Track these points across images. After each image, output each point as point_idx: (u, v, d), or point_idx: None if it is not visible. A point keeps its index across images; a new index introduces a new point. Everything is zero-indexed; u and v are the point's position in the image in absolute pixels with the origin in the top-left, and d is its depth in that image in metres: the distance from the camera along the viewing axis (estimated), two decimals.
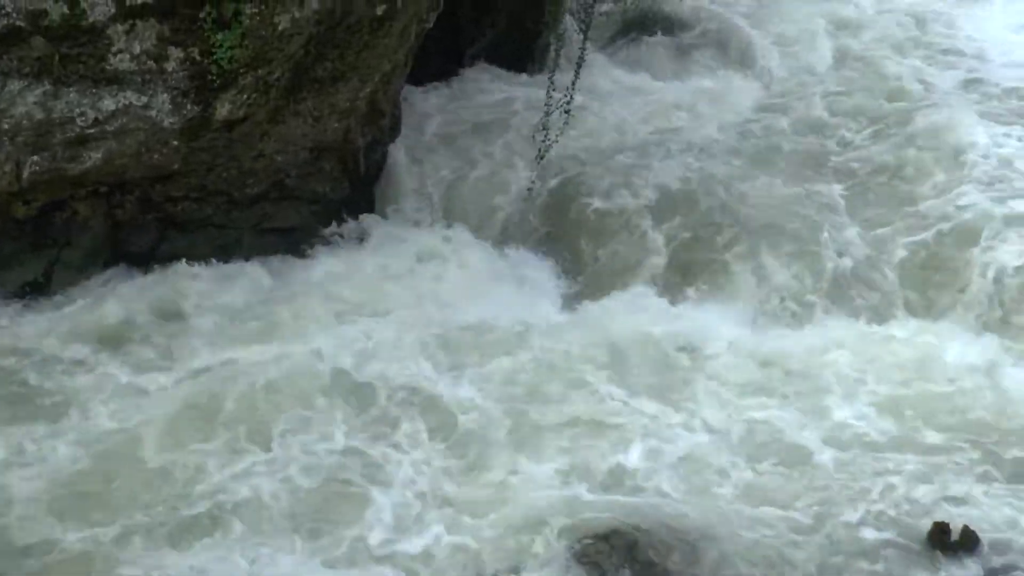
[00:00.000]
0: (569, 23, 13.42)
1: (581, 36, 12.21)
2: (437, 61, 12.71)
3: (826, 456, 8.90)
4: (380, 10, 10.34)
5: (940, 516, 8.34)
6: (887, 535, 8.28)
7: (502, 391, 9.36)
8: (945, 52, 15.09)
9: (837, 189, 11.90)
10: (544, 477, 8.59)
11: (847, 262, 10.90)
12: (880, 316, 10.48)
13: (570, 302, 10.78)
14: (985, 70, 14.58)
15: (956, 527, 8.25)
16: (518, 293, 10.84)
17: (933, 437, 9.11)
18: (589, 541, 8.00)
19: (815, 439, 9.08)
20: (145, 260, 10.56)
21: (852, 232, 11.23)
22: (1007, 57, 14.96)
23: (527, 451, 8.82)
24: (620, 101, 13.47)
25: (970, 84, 14.21)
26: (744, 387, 9.57)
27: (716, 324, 10.22)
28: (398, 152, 11.97)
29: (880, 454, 8.94)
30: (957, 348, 9.92)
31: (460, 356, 9.71)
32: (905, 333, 10.19)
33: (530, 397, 9.33)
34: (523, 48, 13.53)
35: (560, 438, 8.96)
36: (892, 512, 8.44)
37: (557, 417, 9.14)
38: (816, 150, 12.63)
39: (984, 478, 8.77)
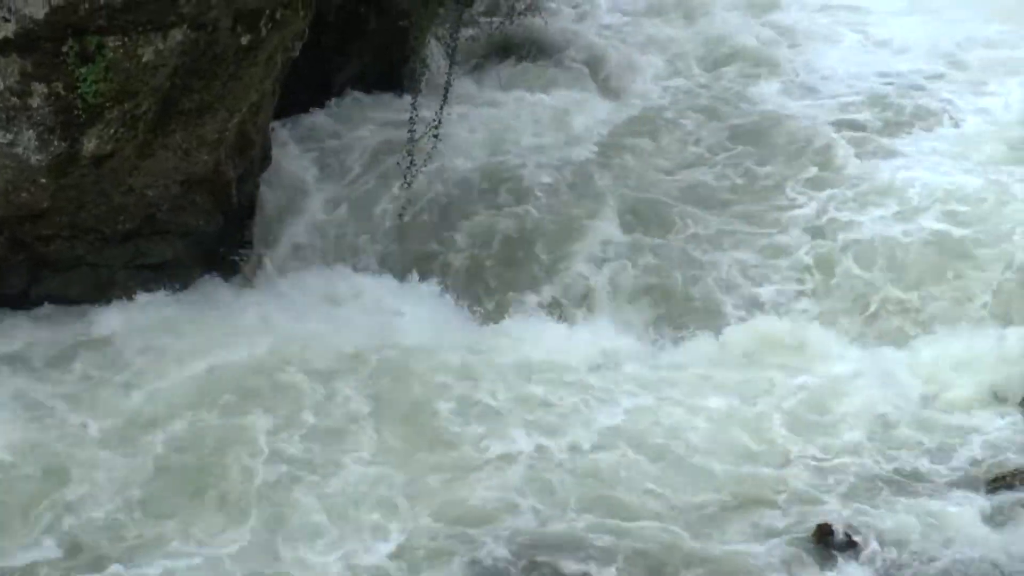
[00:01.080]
0: (436, 48, 13.48)
1: (448, 61, 12.30)
2: (305, 90, 12.65)
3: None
4: (245, 40, 10.27)
5: (827, 517, 8.56)
6: (773, 538, 8.47)
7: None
8: (811, 72, 15.38)
9: (689, 209, 12.22)
10: None
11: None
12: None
13: (452, 327, 10.83)
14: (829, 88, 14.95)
15: (840, 528, 8.47)
16: (396, 321, 10.83)
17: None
18: None
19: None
20: (18, 302, 10.36)
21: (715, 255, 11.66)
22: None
23: None
24: (488, 123, 13.50)
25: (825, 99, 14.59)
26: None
27: (605, 343, 10.50)
28: (270, 183, 11.90)
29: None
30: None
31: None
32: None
33: None
34: (391, 74, 13.54)
35: None
36: (779, 513, 8.68)
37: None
38: (679, 171, 12.90)
39: (870, 479, 9.05)
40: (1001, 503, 8.89)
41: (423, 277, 11.39)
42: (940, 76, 15.04)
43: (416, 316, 10.85)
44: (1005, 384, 10.05)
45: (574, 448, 9.31)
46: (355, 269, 11.56)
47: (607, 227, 11.84)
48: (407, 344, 10.34)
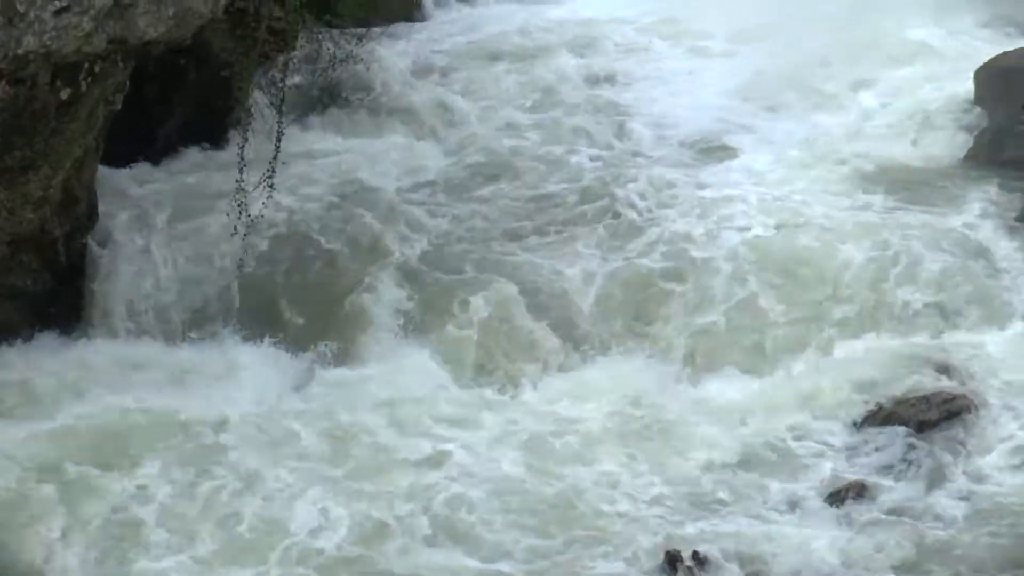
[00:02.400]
0: (261, 97, 13.41)
1: (275, 110, 12.25)
2: (129, 143, 12.47)
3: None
4: (65, 94, 10.09)
5: (674, 543, 8.73)
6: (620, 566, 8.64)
7: None
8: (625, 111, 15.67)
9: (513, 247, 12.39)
10: None
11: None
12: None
13: (299, 380, 10.83)
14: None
15: (687, 553, 8.64)
16: (237, 381, 10.77)
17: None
18: None
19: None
20: None
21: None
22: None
23: None
24: (315, 171, 13.46)
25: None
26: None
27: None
28: (98, 240, 11.71)
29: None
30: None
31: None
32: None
33: None
34: (217, 125, 13.42)
35: None
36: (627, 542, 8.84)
37: None
38: (504, 206, 13.06)
39: (714, 501, 9.26)
40: (839, 515, 9.22)
41: (259, 334, 11.31)
42: (755, 109, 15.55)
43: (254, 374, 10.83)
44: (839, 402, 10.41)
45: None
46: (186, 328, 11.43)
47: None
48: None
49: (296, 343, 11.23)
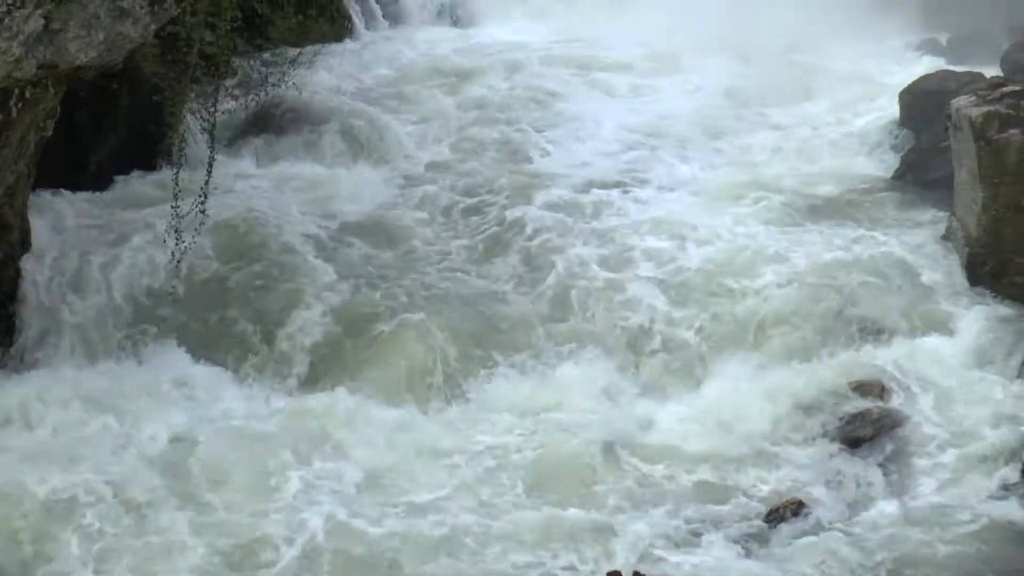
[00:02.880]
0: (193, 123, 13.34)
1: (206, 135, 12.20)
2: (61, 169, 12.36)
3: None
4: None
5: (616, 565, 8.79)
6: None
7: None
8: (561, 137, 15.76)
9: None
10: None
11: None
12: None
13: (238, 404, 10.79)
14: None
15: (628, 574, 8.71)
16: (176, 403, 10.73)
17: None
18: None
19: None
20: None
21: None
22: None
23: None
24: (249, 197, 13.41)
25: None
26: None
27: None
28: (30, 267, 11.57)
29: None
30: None
31: None
32: None
33: None
34: (150, 151, 13.32)
35: None
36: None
37: None
38: (432, 241, 13.09)
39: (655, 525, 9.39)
40: (777, 534, 9.33)
41: (187, 357, 11.28)
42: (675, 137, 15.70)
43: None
44: (772, 422, 10.53)
45: None
46: (119, 351, 11.36)
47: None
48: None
49: (222, 367, 11.24)
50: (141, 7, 10.13)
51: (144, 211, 12.46)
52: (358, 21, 19.65)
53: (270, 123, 15.02)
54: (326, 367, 11.23)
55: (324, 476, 9.89)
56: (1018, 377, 10.92)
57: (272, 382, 11.16)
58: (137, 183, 13.18)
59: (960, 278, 12.10)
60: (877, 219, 13.19)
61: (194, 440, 10.18)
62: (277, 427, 10.45)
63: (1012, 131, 12.00)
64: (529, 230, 12.97)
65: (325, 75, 16.62)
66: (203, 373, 11.13)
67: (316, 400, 10.85)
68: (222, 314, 11.69)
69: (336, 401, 10.80)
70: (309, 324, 11.52)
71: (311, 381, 11.14)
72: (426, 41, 19.35)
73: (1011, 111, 12.16)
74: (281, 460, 9.95)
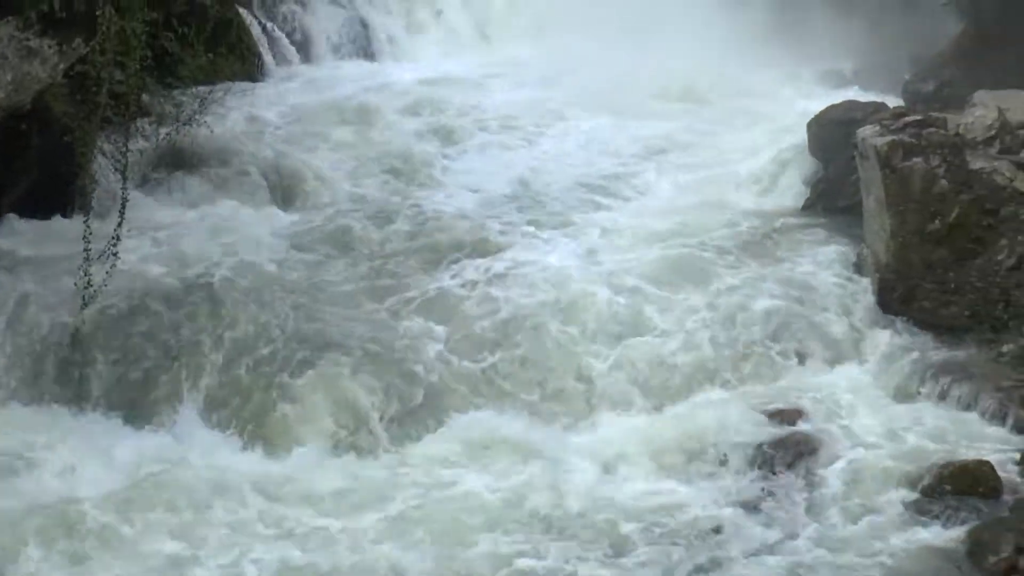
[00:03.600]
0: (105, 163, 13.20)
1: (119, 176, 12.09)
2: None
3: None
4: None
5: None
6: None
7: None
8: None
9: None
10: None
11: None
12: None
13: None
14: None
15: None
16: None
17: None
18: None
19: None
20: None
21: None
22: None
23: None
24: (162, 239, 13.31)
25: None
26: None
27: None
28: None
29: None
30: None
31: None
32: None
33: None
34: (61, 192, 13.14)
35: None
36: None
37: None
38: (344, 273, 13.11)
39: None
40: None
41: (90, 406, 11.18)
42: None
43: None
44: (688, 452, 10.63)
45: None
46: (17, 398, 11.25)
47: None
48: None
49: (130, 416, 11.12)
50: (49, 47, 10.05)
51: (56, 254, 12.29)
52: (269, 59, 19.62)
53: (184, 162, 14.91)
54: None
55: None
56: (927, 400, 11.13)
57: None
58: (49, 225, 13.05)
59: (872, 304, 12.32)
60: (789, 248, 13.39)
61: None
62: None
63: (916, 159, 12.29)
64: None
65: (234, 113, 16.53)
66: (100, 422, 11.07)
67: None
68: (124, 359, 11.53)
69: None
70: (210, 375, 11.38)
71: None
72: (337, 78, 19.38)
73: (914, 140, 12.45)
74: None
